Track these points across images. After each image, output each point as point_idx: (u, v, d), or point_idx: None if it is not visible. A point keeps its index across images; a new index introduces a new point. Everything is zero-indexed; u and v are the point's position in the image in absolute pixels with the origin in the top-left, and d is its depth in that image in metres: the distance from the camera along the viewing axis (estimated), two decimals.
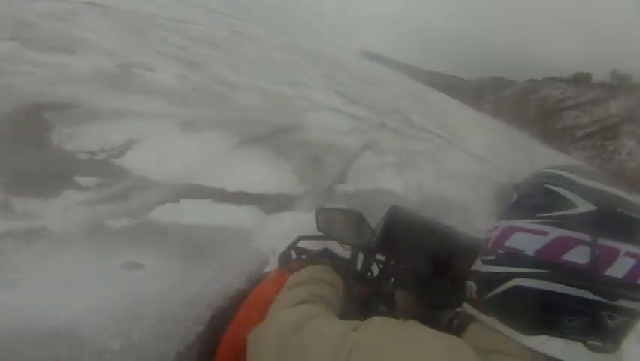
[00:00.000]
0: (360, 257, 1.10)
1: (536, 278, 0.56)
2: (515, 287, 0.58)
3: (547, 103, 74.02)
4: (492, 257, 0.63)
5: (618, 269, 0.54)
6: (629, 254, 0.54)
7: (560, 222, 0.57)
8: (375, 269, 1.12)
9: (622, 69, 70.47)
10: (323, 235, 1.04)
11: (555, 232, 0.57)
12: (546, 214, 0.58)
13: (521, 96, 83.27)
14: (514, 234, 0.61)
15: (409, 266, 1.01)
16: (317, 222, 1.03)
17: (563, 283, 0.55)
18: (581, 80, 75.90)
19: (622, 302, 0.54)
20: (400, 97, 18.92)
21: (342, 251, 1.08)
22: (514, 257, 0.59)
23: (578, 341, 0.55)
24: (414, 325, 0.61)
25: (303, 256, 1.10)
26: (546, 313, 0.56)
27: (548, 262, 0.56)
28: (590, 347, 0.55)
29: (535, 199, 0.61)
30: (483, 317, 0.62)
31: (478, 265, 0.67)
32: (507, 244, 0.61)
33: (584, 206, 0.57)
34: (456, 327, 0.66)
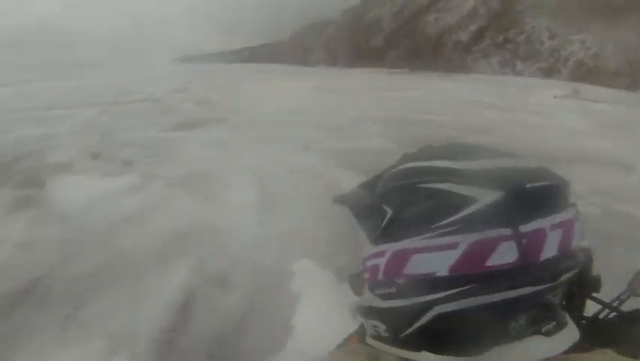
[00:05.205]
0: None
1: (460, 299, 0.48)
2: (438, 316, 0.49)
3: (385, 22, 57.96)
4: (392, 290, 0.53)
5: (551, 247, 0.48)
6: (554, 227, 0.49)
7: (466, 226, 0.48)
8: None
9: None
10: None
11: (466, 239, 0.48)
12: (444, 222, 0.49)
13: (349, 30, 66.78)
14: (411, 257, 0.50)
15: None
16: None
17: (495, 293, 0.47)
18: None
19: (563, 277, 0.50)
20: None
21: None
22: (425, 283, 0.50)
23: (533, 334, 0.49)
24: None
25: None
26: (487, 328, 0.49)
27: (470, 276, 0.48)
28: (547, 333, 0.49)
29: (418, 208, 0.51)
30: (412, 355, 0.53)
31: (373, 301, 0.56)
32: (406, 271, 0.51)
33: (486, 196, 0.48)
34: None
